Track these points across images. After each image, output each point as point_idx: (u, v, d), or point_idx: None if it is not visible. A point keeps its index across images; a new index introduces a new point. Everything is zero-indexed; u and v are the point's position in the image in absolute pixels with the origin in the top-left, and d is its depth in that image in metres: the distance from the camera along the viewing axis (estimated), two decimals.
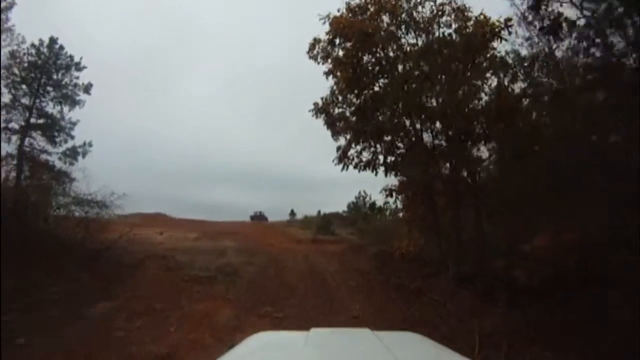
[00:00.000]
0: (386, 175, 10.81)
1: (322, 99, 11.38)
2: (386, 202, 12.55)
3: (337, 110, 11.45)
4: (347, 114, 11.39)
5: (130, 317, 8.14)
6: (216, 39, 63.88)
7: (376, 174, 10.99)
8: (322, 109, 11.41)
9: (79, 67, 14.33)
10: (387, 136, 10.91)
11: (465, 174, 10.39)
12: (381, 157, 11.17)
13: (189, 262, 12.11)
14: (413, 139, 10.74)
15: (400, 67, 10.59)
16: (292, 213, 45.72)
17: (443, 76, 9.93)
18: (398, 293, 10.05)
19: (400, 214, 15.03)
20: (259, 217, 43.99)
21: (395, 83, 10.15)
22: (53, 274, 8.75)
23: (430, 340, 1.87)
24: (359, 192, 47.33)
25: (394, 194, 11.05)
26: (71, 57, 14.31)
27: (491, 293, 8.29)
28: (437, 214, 10.45)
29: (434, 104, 10.07)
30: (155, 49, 58.53)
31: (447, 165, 10.57)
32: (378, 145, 11.08)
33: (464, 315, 8.06)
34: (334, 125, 11.34)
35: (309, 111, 11.42)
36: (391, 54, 10.64)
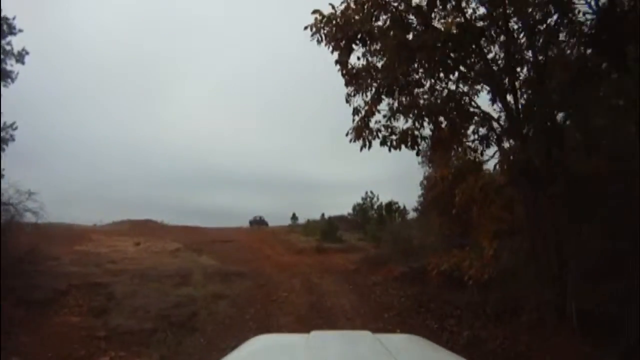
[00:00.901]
0: (434, 151, 7.53)
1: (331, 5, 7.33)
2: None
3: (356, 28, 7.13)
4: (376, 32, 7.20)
5: None
6: (215, 41, 60.69)
7: (417, 152, 7.79)
8: (331, 24, 7.23)
9: (12, 30, 11.09)
10: None
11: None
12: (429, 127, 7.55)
13: (127, 297, 8.89)
14: None
15: None
16: (294, 217, 42.59)
17: None
18: None
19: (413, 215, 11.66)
20: (258, 222, 41.00)
21: None
22: None
23: (431, 343, 1.85)
24: (366, 193, 44.47)
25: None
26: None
27: None
28: (542, 217, 6.91)
29: None
30: (153, 52, 56.77)
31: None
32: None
33: None
34: (348, 68, 7.52)
35: (305, 28, 7.47)
36: None
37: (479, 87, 8.20)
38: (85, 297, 8.59)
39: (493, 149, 7.92)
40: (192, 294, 9.35)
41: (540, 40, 7.36)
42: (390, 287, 10.42)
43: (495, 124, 7.89)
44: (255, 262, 14.64)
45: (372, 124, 7.57)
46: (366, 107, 7.50)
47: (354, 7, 7.16)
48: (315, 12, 7.27)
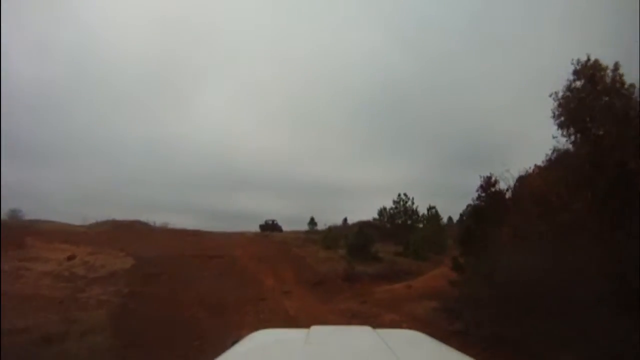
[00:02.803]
0: None
1: None
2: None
3: None
4: None
5: None
6: (240, 43, 57.66)
7: None
8: None
9: None
10: None
11: None
12: None
13: None
14: None
15: None
16: (312, 222, 35.67)
17: None
18: None
19: None
20: (270, 227, 34.38)
21: None
22: None
23: (431, 338, 1.81)
24: (399, 196, 37.38)
25: None
26: None
27: None
28: None
29: None
30: (176, 53, 54.12)
31: None
32: None
33: None
34: None
35: None
36: None
37: None
38: None
39: None
40: None
41: None
42: None
43: None
44: (233, 316, 8.02)
45: None
46: None
47: None
48: None
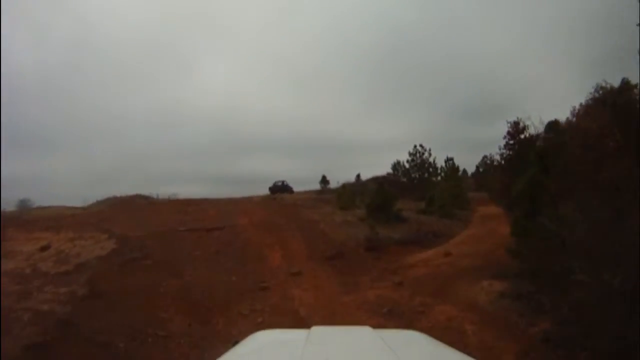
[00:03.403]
0: None
1: None
2: None
3: None
4: None
5: None
6: (244, 7, 54.17)
7: None
8: None
9: None
10: None
11: None
12: None
13: None
14: None
15: None
16: (324, 180, 33.44)
17: None
18: None
19: None
20: (280, 189, 32.20)
21: None
22: None
23: (431, 339, 1.79)
24: (415, 147, 34.50)
25: None
26: None
27: None
28: None
29: None
30: (182, 20, 57.52)
31: None
32: None
33: None
34: None
35: None
36: None
37: None
38: None
39: None
40: None
41: None
42: None
43: None
44: (219, 324, 5.83)
45: None
46: None
47: None
48: None
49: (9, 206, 20.21)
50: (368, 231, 12.44)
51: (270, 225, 13.82)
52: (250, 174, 43.14)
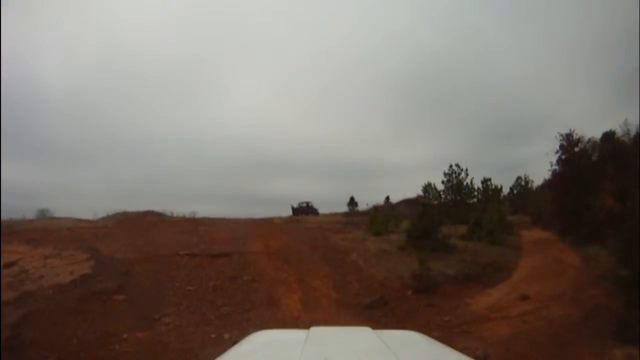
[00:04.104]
0: None
1: None
2: None
3: None
4: None
5: None
6: (271, 31, 58.74)
7: None
8: None
9: None
10: None
11: None
12: None
13: None
14: None
15: None
16: (352, 202, 30.30)
17: None
18: None
19: None
20: (304, 210, 29.52)
21: None
22: None
23: (430, 339, 1.79)
24: (450, 167, 31.72)
25: None
26: None
27: None
28: None
29: None
30: (211, 44, 56.44)
31: None
32: None
33: None
34: None
35: None
36: None
37: None
38: None
39: None
40: None
41: None
42: None
43: None
44: None
45: None
46: None
47: None
48: None
49: (29, 215, 19.96)
50: (413, 264, 9.53)
51: (289, 254, 11.17)
52: (274, 195, 41.99)
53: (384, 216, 19.42)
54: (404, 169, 42.84)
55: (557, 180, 14.67)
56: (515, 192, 30.99)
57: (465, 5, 52.58)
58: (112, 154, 46.19)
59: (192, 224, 19.39)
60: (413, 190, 31.28)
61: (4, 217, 17.71)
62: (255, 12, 58.72)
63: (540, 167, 46.14)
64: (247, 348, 1.62)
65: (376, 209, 21.47)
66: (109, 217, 24.08)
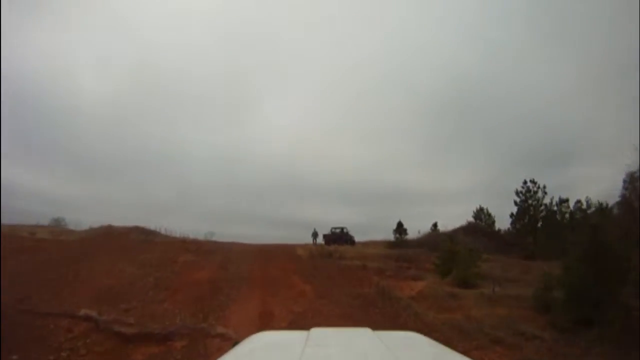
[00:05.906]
0: None
1: None
2: None
3: None
4: None
5: None
6: (305, 55, 57.17)
7: None
8: None
9: None
10: None
11: None
12: None
13: None
14: None
15: None
16: (400, 229, 23.11)
17: None
18: None
19: None
20: (338, 238, 22.67)
21: None
22: None
23: (430, 340, 1.73)
24: (524, 183, 26.13)
25: None
26: None
27: None
28: None
29: None
30: (243, 67, 55.92)
31: None
32: None
33: None
34: None
35: None
36: None
37: None
38: None
39: None
40: None
41: None
42: None
43: None
44: None
45: None
46: None
47: None
48: None
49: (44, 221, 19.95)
50: None
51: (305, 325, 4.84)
52: (304, 218, 38.17)
53: (466, 251, 12.42)
54: (440, 194, 38.16)
55: None
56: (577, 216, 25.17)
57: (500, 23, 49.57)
58: (144, 169, 46.05)
59: (175, 250, 13.47)
60: (450, 216, 25.79)
61: (27, 221, 17.89)
62: (289, 33, 58.04)
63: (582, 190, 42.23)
64: (248, 349, 1.60)
65: (451, 239, 14.28)
66: (92, 230, 19.14)
